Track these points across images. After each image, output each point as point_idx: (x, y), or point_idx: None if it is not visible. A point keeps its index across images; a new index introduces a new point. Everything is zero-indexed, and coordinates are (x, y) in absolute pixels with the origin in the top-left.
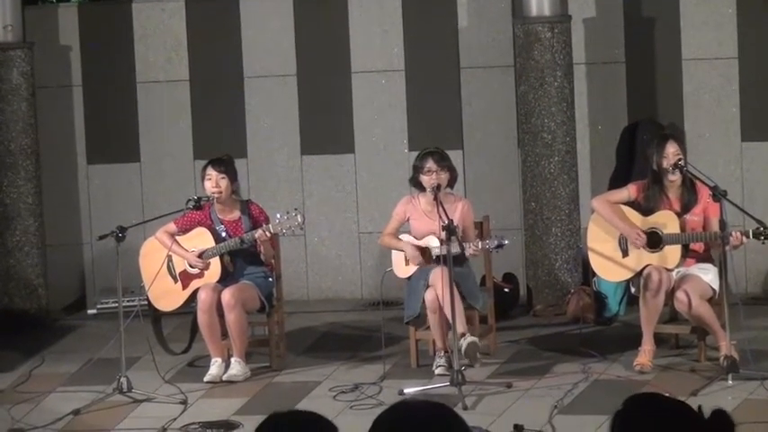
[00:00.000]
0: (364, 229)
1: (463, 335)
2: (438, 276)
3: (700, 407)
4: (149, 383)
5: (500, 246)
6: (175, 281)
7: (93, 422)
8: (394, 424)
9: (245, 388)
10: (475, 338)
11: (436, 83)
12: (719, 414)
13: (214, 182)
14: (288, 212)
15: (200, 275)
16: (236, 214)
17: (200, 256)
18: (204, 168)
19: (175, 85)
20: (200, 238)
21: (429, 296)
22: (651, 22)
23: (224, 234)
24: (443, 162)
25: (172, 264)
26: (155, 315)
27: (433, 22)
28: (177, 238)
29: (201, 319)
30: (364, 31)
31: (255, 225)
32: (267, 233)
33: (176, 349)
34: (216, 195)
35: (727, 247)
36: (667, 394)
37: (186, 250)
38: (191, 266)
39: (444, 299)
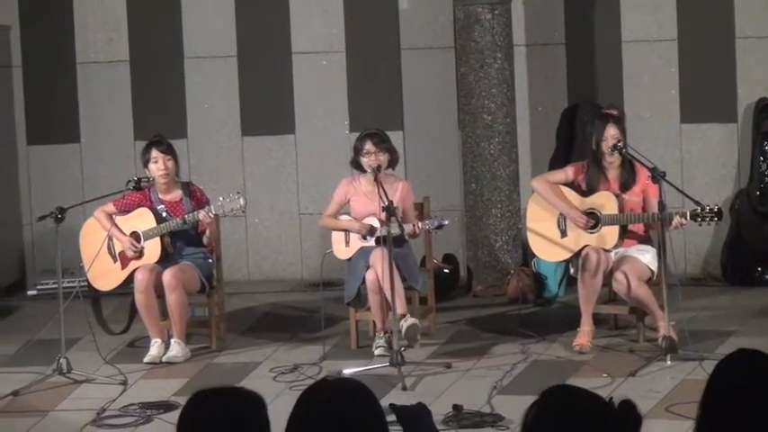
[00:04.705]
0: (305, 210)
1: (403, 316)
2: (378, 257)
3: (611, 398)
4: (89, 364)
5: (440, 226)
6: (115, 260)
7: (32, 403)
8: (315, 403)
9: (184, 369)
10: (415, 320)
11: (377, 64)
12: (627, 405)
13: (162, 163)
14: (230, 195)
15: (139, 256)
16: (177, 195)
17: (137, 238)
18: (146, 151)
19: (116, 65)
20: (142, 218)
21: (369, 277)
22: (591, 4)
23: (165, 214)
24: (382, 144)
25: (112, 243)
26: (94, 295)
27: (374, 3)
28: (120, 218)
29: (139, 299)
30: (305, 12)
31: (197, 206)
32: (210, 214)
33: (115, 329)
34: (163, 176)
35: (667, 229)
36: (605, 375)
37: (122, 232)
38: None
39: (384, 279)
